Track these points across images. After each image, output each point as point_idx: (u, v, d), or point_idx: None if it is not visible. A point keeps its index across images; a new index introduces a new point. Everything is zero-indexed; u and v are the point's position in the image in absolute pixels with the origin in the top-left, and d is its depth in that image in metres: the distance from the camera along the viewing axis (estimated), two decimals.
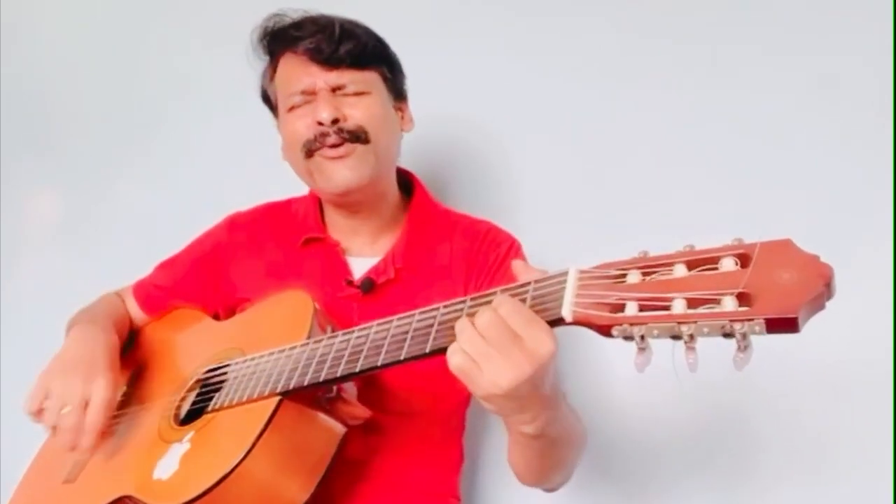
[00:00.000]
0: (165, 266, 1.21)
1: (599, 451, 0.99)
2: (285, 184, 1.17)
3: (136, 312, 1.19)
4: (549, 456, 0.84)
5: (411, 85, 1.17)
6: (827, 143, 1.23)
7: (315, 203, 1.16)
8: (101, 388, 0.93)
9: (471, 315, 0.68)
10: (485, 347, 0.65)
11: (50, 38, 1.84)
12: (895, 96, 1.20)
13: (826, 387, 1.17)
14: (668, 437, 1.23)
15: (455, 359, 0.67)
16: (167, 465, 0.87)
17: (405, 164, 1.19)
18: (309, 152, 1.04)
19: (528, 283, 0.68)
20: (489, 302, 0.68)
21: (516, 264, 0.73)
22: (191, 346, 1.07)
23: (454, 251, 1.09)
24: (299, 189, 1.18)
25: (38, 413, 0.94)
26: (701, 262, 0.60)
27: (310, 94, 1.05)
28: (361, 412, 0.88)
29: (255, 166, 1.40)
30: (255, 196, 1.24)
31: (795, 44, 1.27)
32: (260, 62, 1.13)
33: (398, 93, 1.13)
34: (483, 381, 0.66)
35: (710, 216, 1.19)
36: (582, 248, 1.09)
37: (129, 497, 0.88)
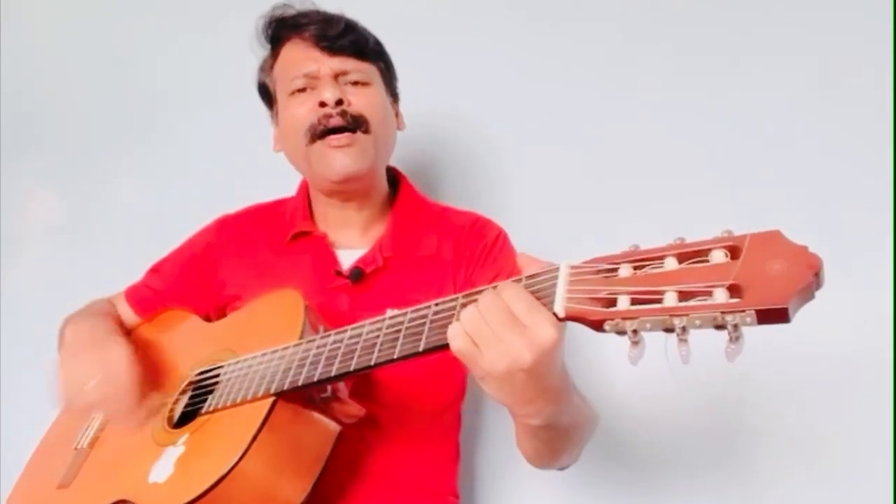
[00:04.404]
0: (157, 269, 1.21)
1: (598, 446, 0.99)
2: (285, 183, 1.18)
3: (129, 317, 1.18)
4: (558, 444, 0.84)
5: (404, 82, 1.18)
6: (827, 143, 1.23)
7: (304, 198, 1.16)
8: (119, 354, 0.93)
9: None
10: (485, 329, 0.65)
11: (48, 37, 1.83)
12: (895, 96, 1.21)
13: (825, 382, 1.17)
14: (667, 431, 1.23)
15: (456, 340, 0.67)
16: (163, 469, 0.87)
17: (394, 161, 1.19)
18: (311, 138, 1.05)
19: (520, 279, 0.68)
20: None
21: (521, 257, 0.72)
22: (182, 348, 1.07)
23: (441, 240, 1.10)
24: (295, 189, 1.19)
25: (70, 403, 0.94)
26: (691, 254, 0.60)
27: (313, 79, 1.06)
28: (356, 410, 0.88)
29: (255, 165, 1.39)
30: (256, 195, 1.24)
31: (795, 44, 1.28)
32: (262, 50, 1.14)
33: (393, 93, 1.16)
34: (482, 362, 0.66)
35: (708, 217, 1.17)
36: (572, 244, 1.09)
37: (125, 501, 0.88)
